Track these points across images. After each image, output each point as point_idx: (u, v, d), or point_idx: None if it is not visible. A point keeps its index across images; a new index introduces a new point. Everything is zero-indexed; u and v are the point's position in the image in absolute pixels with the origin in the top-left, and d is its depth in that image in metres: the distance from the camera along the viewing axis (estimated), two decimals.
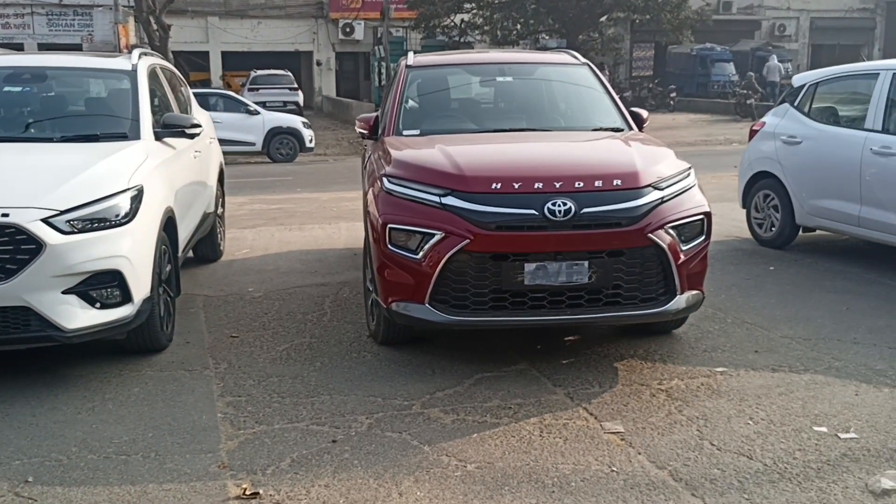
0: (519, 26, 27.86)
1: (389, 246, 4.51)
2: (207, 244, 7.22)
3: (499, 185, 4.36)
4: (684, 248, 4.49)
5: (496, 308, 4.41)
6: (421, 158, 4.77)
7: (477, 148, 4.97)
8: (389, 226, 4.50)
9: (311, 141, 18.66)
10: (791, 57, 34.98)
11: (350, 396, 4.30)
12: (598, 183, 4.39)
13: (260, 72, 28.55)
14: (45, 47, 31.80)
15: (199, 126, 5.77)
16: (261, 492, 3.30)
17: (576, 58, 6.23)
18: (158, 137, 5.46)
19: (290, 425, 3.95)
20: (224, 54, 34.66)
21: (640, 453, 3.63)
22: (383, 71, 23.52)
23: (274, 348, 5.08)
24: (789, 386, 4.37)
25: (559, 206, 4.27)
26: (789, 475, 3.41)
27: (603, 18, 27.74)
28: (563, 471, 3.48)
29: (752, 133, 8.17)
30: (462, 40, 30.13)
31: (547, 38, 32.77)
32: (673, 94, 30.47)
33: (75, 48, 30.60)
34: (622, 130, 5.54)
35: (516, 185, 4.36)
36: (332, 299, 6.20)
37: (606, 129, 5.53)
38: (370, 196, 5.00)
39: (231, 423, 3.97)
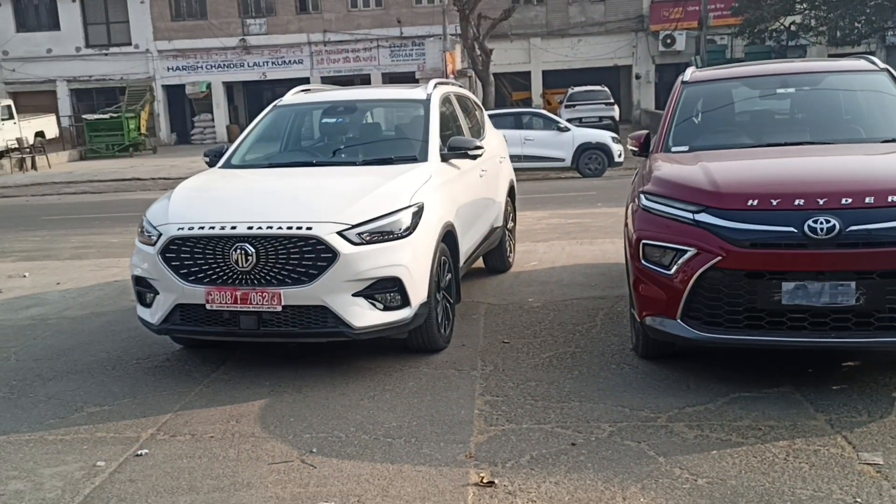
0: (860, 24, 25.53)
1: (643, 261, 4.61)
2: (496, 256, 7.75)
3: (755, 202, 4.27)
4: None
5: (751, 327, 4.31)
6: (679, 175, 4.80)
7: (739, 163, 4.87)
8: (643, 241, 4.61)
9: (620, 156, 18.80)
10: None
11: (599, 405, 4.47)
12: (868, 199, 4.11)
13: (577, 88, 29.20)
14: (387, 77, 35.53)
15: (481, 148, 6.27)
16: (496, 482, 3.61)
17: (873, 63, 5.77)
18: (445, 159, 6.05)
19: (537, 426, 4.22)
20: (545, 73, 35.95)
21: (894, 488, 3.38)
22: None
23: (539, 355, 5.39)
24: None
25: (821, 223, 4.08)
26: None
27: None
28: (801, 496, 3.36)
29: None
30: (795, 43, 28.36)
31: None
32: None
33: (410, 76, 33.73)
34: None
35: (774, 202, 4.23)
36: (605, 312, 6.37)
37: None
38: (629, 212, 5.11)
39: (485, 420, 4.34)
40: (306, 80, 36.25)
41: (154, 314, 5.15)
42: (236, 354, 5.65)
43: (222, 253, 4.87)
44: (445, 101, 6.70)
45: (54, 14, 36.06)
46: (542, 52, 35.56)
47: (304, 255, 4.81)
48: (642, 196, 4.81)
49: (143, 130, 31.31)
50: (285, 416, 4.52)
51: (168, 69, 36.08)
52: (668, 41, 34.74)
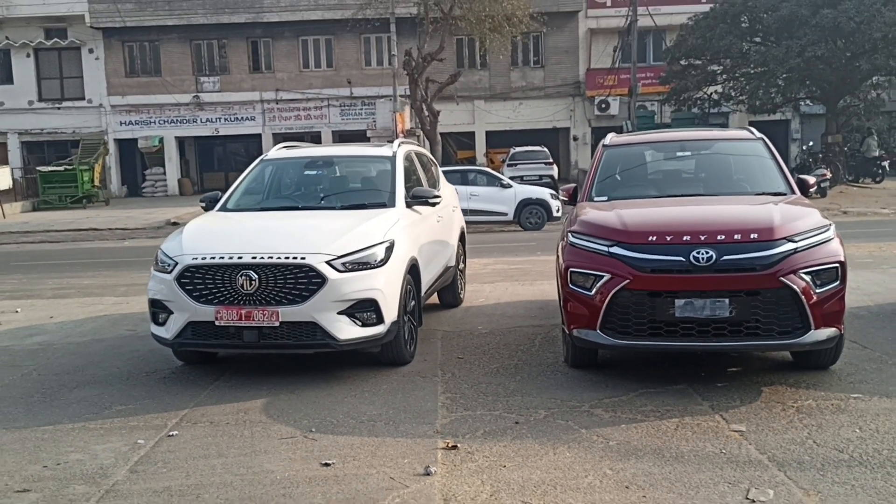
0: (774, 94, 27.83)
1: (571, 285, 5.85)
2: (449, 293, 8.93)
3: (654, 238, 5.56)
4: (818, 290, 5.36)
5: (653, 335, 5.56)
6: (598, 218, 6.08)
7: (643, 210, 6.18)
8: (570, 269, 5.85)
9: (557, 210, 20.27)
10: None
11: (536, 398, 5.64)
12: (737, 236, 5.44)
13: (518, 148, 30.88)
14: (336, 135, 36.89)
15: (438, 197, 7.51)
16: (458, 446, 4.74)
17: (752, 133, 7.22)
18: (409, 205, 7.26)
19: (488, 412, 5.37)
20: (488, 133, 37.71)
21: (750, 444, 4.61)
22: None
23: (488, 366, 6.55)
24: None
25: (703, 253, 5.38)
26: (867, 464, 4.23)
27: (871, 80, 26.92)
28: (682, 450, 4.56)
29: None
30: (716, 111, 30.57)
31: (810, 104, 32.19)
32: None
33: (361, 134, 35.15)
34: (784, 195, 6.46)
35: (668, 238, 5.53)
36: (542, 336, 7.58)
37: (769, 194, 6.47)
38: (559, 249, 6.36)
39: (447, 409, 5.47)
40: (258, 137, 37.39)
41: (169, 331, 6.17)
42: (231, 369, 6.67)
43: (230, 278, 5.95)
44: (408, 157, 7.94)
45: (7, 68, 36.64)
46: (486, 113, 37.38)
47: (297, 280, 5.92)
48: (570, 234, 6.07)
49: (96, 182, 31.88)
50: (284, 409, 5.57)
51: (121, 123, 36.81)
52: (603, 106, 36.90)
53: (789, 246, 5.41)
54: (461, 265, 9.32)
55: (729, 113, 33.30)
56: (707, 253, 5.38)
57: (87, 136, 34.94)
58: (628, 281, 5.51)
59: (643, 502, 3.90)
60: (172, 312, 6.15)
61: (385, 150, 7.83)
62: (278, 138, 37.93)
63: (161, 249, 6.42)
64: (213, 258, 6.01)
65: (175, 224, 24.89)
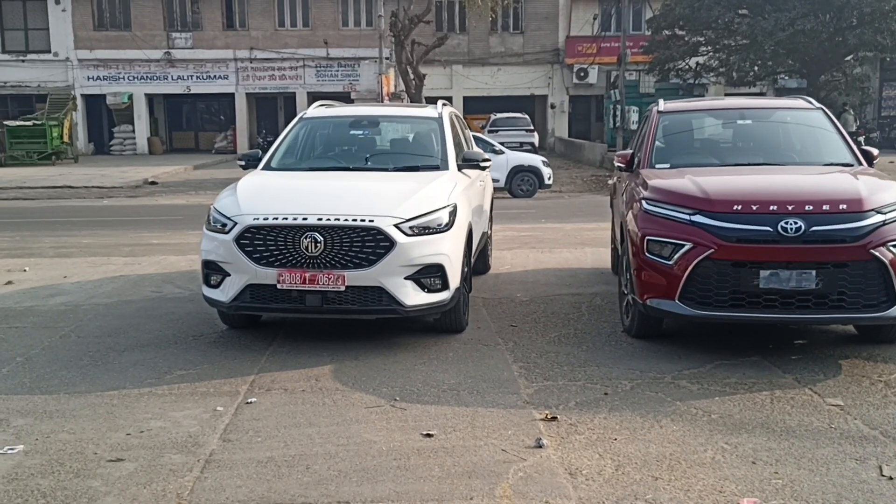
0: (756, 68, 27.93)
1: (647, 253, 5.71)
2: (481, 259, 8.74)
3: (739, 207, 5.44)
4: None
5: (734, 306, 5.45)
6: (674, 185, 5.93)
7: (721, 178, 6.05)
8: (647, 237, 5.71)
9: (549, 178, 20.15)
10: None
11: (613, 369, 5.52)
12: (825, 207, 5.34)
13: (499, 115, 30.66)
14: (311, 96, 36.25)
15: (489, 160, 7.30)
16: (559, 417, 4.60)
17: (810, 103, 7.12)
18: (459, 169, 7.04)
19: (570, 383, 5.23)
20: (465, 98, 37.38)
21: (856, 419, 4.55)
22: (618, 113, 24.65)
23: (546, 335, 6.41)
24: None
25: (791, 224, 5.27)
26: None
27: (848, 58, 27.17)
28: (790, 424, 4.48)
29: None
30: (696, 82, 30.63)
31: (786, 78, 32.41)
32: None
33: (339, 96, 34.58)
34: (852, 166, 6.38)
35: (754, 207, 5.41)
36: (587, 305, 7.46)
37: (837, 164, 6.39)
38: (629, 216, 6.21)
39: (525, 378, 5.32)
40: (231, 96, 36.62)
41: (226, 293, 5.90)
42: (282, 334, 6.44)
43: (293, 240, 5.69)
44: (450, 120, 7.70)
45: None
46: (464, 78, 37.04)
47: (365, 244, 5.70)
48: (643, 202, 5.92)
49: (65, 139, 30.90)
50: (356, 376, 5.37)
51: (88, 78, 35.71)
52: (582, 74, 36.80)
53: (878, 218, 5.33)
54: (490, 231, 9.14)
55: (708, 85, 33.42)
56: (796, 223, 5.28)
57: (54, 91, 33.81)
58: (713, 251, 5.39)
59: (776, 478, 3.81)
60: (229, 274, 5.89)
61: (430, 111, 7.58)
62: (251, 98, 37.26)
63: (215, 208, 6.14)
64: (276, 219, 5.74)
65: (154, 183, 24.27)
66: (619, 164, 6.99)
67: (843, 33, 24.84)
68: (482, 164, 7.21)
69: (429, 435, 4.35)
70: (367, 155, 7.21)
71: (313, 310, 5.80)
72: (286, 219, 5.73)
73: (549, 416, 4.61)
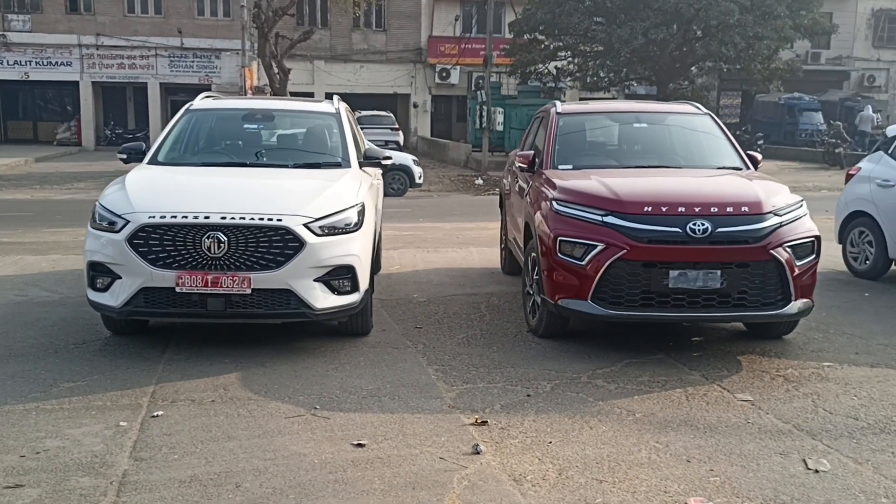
0: (612, 74, 29.07)
1: (559, 254, 5.73)
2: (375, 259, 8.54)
3: (650, 209, 5.55)
4: (798, 263, 5.58)
5: (645, 306, 5.56)
6: (584, 187, 5.98)
7: (627, 179, 6.16)
8: (559, 238, 5.73)
9: (420, 178, 20.11)
10: (881, 108, 35.26)
11: (529, 370, 5.50)
12: (729, 209, 5.54)
13: (364, 112, 30.35)
14: (164, 87, 34.63)
15: (389, 158, 7.12)
16: (488, 421, 4.51)
17: (699, 108, 7.40)
18: (360, 167, 6.83)
19: (490, 385, 5.16)
20: (327, 95, 36.71)
21: (767, 413, 4.72)
22: (484, 114, 24.96)
23: (454, 336, 6.32)
24: (886, 377, 5.40)
25: (699, 225, 5.43)
26: (889, 430, 4.45)
27: (693, 68, 28.74)
28: (710, 421, 4.59)
29: (849, 177, 9.18)
30: (556, 86, 31.51)
31: (636, 85, 33.95)
32: (760, 142, 31.07)
33: (192, 87, 33.17)
34: (740, 169, 6.67)
35: (664, 209, 5.54)
36: (485, 305, 7.43)
37: (728, 168, 6.67)
38: (537, 216, 6.21)
39: (444, 382, 5.20)
40: (76, 84, 34.36)
41: (116, 297, 5.43)
42: (174, 340, 6.01)
43: (193, 240, 5.31)
44: (346, 115, 7.46)
45: None
46: (326, 74, 36.44)
47: (272, 244, 5.39)
48: (553, 202, 5.93)
49: None
50: (266, 384, 5.08)
51: None
52: (444, 74, 37.05)
53: (775, 220, 5.58)
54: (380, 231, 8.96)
55: (564, 89, 34.49)
56: (703, 225, 5.44)
57: None
58: (625, 251, 5.47)
59: (713, 476, 3.88)
60: (119, 277, 5.42)
61: (327, 106, 7.32)
62: (97, 87, 35.12)
63: (101, 204, 5.64)
64: (175, 217, 5.34)
65: None
66: (521, 165, 6.99)
67: (690, 44, 26.26)
68: (383, 162, 7.02)
69: (360, 445, 4.16)
70: (262, 150, 6.86)
71: (216, 314, 5.44)
72: (185, 217, 5.34)
73: (478, 421, 4.52)
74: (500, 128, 26.64)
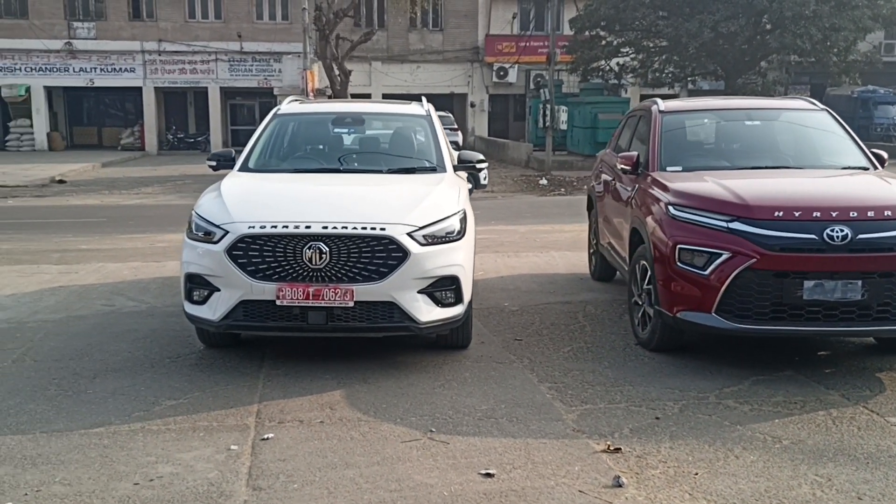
0: (676, 70, 28.36)
1: (678, 263, 5.33)
2: None
3: (781, 213, 5.12)
4: None
5: (775, 319, 5.13)
6: (704, 190, 5.57)
7: (751, 181, 5.73)
8: (679, 245, 5.33)
9: (485, 179, 19.72)
10: None
11: (649, 388, 5.11)
12: (870, 213, 5.08)
13: None
14: (225, 91, 34.92)
15: (484, 161, 6.79)
16: (622, 448, 4.15)
17: (815, 104, 6.91)
18: (455, 170, 6.52)
19: (612, 405, 4.79)
20: (384, 96, 36.66)
21: None
22: (548, 113, 24.50)
23: (559, 350, 5.96)
24: None
25: (837, 231, 4.98)
26: None
27: (763, 63, 27.88)
28: (868, 450, 4.16)
29: None
30: (619, 83, 30.91)
31: (700, 80, 33.09)
32: None
33: (252, 91, 33.40)
34: (867, 169, 6.19)
35: (797, 214, 5.10)
36: (583, 314, 7.05)
37: (854, 168, 6.19)
38: (649, 221, 5.81)
39: (561, 402, 4.85)
40: (139, 90, 34.84)
41: (215, 311, 5.20)
42: (269, 354, 5.76)
43: (294, 251, 5.06)
44: (437, 117, 7.16)
45: None
46: (383, 75, 36.35)
47: (375, 254, 5.11)
48: (670, 207, 5.53)
49: None
50: (374, 403, 4.79)
51: None
52: (502, 73, 36.66)
53: None
54: None
55: (626, 86, 33.79)
56: (842, 231, 4.99)
57: None
58: (755, 260, 5.05)
59: None
60: (218, 289, 5.20)
61: (417, 109, 7.03)
62: (160, 92, 35.55)
63: (198, 214, 5.42)
64: (275, 227, 5.09)
65: (62, 182, 22.69)
66: (624, 167, 6.60)
67: (761, 37, 25.43)
68: (478, 166, 6.70)
69: (489, 475, 3.84)
70: (354, 155, 6.60)
71: (317, 328, 5.17)
72: (286, 227, 5.08)
73: (611, 448, 4.16)
74: (563, 126, 26.11)
